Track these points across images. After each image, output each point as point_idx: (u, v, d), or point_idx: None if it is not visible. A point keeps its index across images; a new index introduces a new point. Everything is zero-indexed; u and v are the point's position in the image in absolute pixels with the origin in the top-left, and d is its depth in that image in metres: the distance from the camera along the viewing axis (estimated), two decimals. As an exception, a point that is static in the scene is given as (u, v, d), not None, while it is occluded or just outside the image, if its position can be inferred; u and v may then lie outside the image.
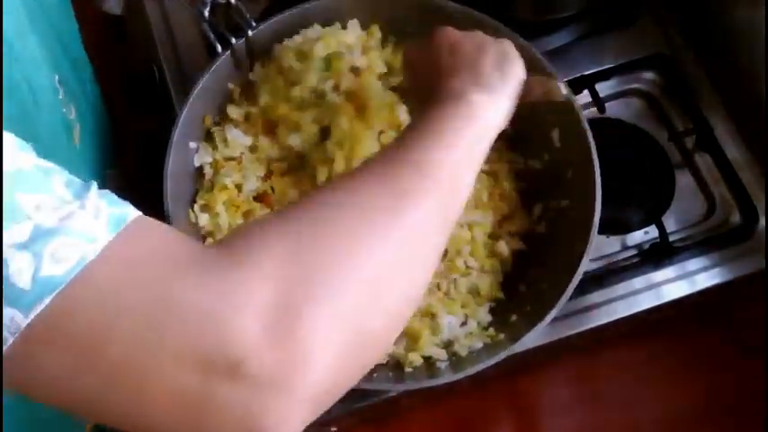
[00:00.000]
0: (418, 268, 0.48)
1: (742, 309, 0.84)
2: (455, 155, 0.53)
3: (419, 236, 0.48)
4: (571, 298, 0.67)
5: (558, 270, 0.68)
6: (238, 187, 0.73)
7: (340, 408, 0.71)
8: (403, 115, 0.73)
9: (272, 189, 0.74)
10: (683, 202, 0.82)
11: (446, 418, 0.82)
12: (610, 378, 0.84)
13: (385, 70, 0.76)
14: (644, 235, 0.81)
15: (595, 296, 0.77)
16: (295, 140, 0.73)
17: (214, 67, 0.73)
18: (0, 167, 0.35)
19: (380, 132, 0.72)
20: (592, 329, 0.76)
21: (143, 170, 0.78)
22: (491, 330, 0.70)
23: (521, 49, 0.72)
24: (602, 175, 0.70)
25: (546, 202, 0.76)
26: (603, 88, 0.86)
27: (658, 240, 0.78)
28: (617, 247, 0.80)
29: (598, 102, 0.83)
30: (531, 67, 0.73)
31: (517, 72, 0.62)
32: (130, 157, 0.89)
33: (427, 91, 0.61)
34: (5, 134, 0.39)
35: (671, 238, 0.78)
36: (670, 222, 0.81)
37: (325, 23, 0.76)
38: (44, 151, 0.57)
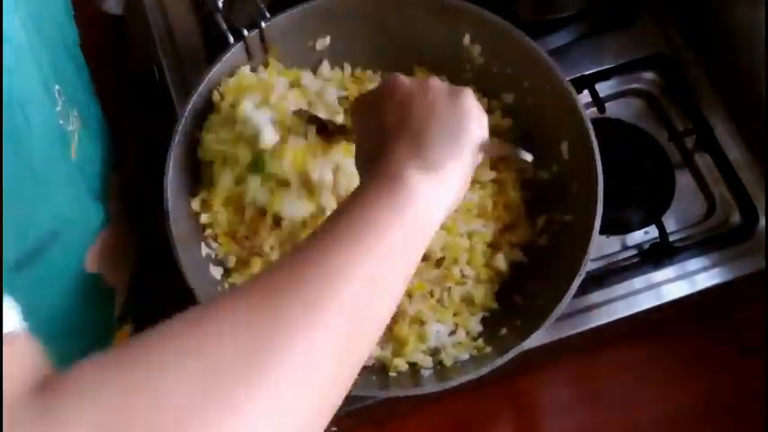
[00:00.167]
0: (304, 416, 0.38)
1: (742, 309, 0.84)
2: (376, 259, 0.44)
3: (301, 380, 0.38)
4: (572, 298, 0.66)
5: (552, 284, 0.68)
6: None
7: (340, 408, 0.72)
8: None
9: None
10: (683, 202, 0.82)
11: (446, 417, 0.82)
12: (610, 378, 0.84)
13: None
14: (644, 235, 0.81)
15: (595, 296, 0.77)
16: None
17: (225, 57, 0.72)
18: (0, 175, 0.35)
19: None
20: (592, 329, 0.76)
21: (143, 170, 0.78)
22: (479, 342, 0.70)
23: (526, 49, 0.74)
24: (602, 174, 0.70)
25: (550, 214, 0.75)
26: (603, 88, 0.86)
27: (658, 240, 0.78)
28: (617, 247, 0.80)
29: (598, 102, 0.83)
30: (536, 68, 0.74)
31: (473, 137, 0.54)
32: (130, 157, 0.89)
33: (370, 157, 0.54)
34: None
35: (671, 238, 0.78)
36: (670, 222, 0.81)
37: (334, 19, 0.76)
38: (34, 170, 0.57)
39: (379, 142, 0.54)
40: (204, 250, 0.71)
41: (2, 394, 0.34)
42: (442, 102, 0.55)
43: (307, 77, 0.77)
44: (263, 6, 0.73)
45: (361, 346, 0.43)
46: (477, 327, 0.71)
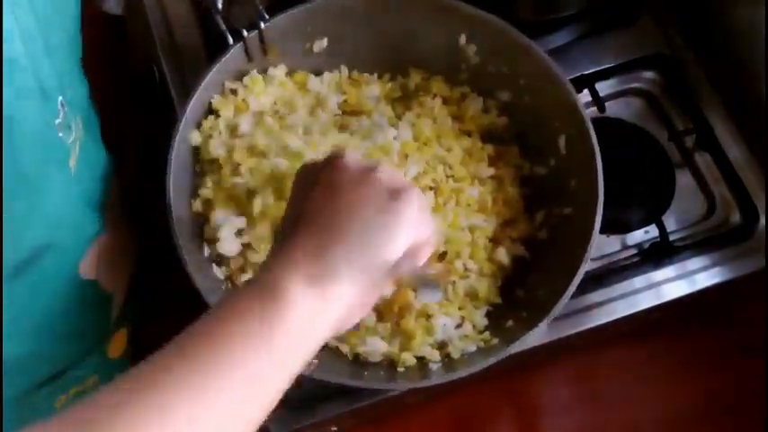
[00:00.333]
0: None
1: (742, 308, 0.84)
2: (231, 388, 0.42)
3: None
4: (571, 297, 0.66)
5: (555, 277, 0.68)
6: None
7: (340, 407, 0.73)
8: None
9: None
10: (683, 202, 0.82)
11: (446, 417, 0.82)
12: (610, 378, 0.84)
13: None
14: (644, 234, 0.81)
15: (595, 296, 0.77)
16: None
17: (225, 58, 0.72)
18: (0, 177, 0.35)
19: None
20: (592, 329, 0.76)
21: (143, 170, 0.78)
22: (486, 334, 0.70)
23: (523, 48, 0.74)
24: (602, 167, 0.69)
25: (549, 208, 0.75)
26: (603, 88, 0.86)
27: (658, 240, 0.78)
28: (617, 247, 0.80)
29: (598, 101, 0.83)
30: (533, 65, 0.74)
31: (389, 256, 0.48)
32: (130, 157, 0.89)
33: (278, 238, 0.50)
34: None
35: (671, 238, 0.78)
36: (670, 222, 0.81)
37: (332, 20, 0.76)
38: (25, 185, 0.57)
39: (289, 225, 0.50)
40: (206, 251, 0.71)
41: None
42: (376, 203, 0.49)
43: (313, 82, 0.78)
44: (261, 8, 0.73)
45: None
46: (482, 320, 0.72)
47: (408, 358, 0.68)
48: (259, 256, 0.70)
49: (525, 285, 0.73)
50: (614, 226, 0.80)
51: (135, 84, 0.92)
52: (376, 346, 0.69)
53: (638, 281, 0.78)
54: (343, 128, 0.76)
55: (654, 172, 0.84)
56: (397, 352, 0.69)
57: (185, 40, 0.86)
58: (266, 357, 0.44)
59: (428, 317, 0.70)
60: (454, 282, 0.72)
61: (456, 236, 0.72)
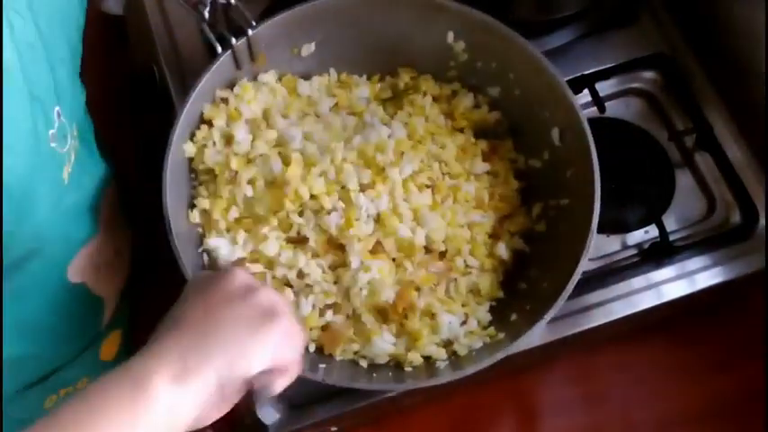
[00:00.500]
0: None
1: (742, 309, 0.84)
2: None
3: None
4: (571, 298, 0.67)
5: (558, 268, 0.68)
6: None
7: (340, 407, 0.73)
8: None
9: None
10: (683, 202, 0.82)
11: (446, 418, 0.82)
12: (610, 378, 0.84)
13: None
14: (644, 234, 0.81)
15: (595, 296, 0.77)
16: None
17: (214, 67, 0.73)
18: (0, 180, 0.35)
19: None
20: (592, 329, 0.76)
21: (143, 170, 0.78)
22: (491, 329, 0.70)
23: (511, 42, 0.74)
24: (602, 174, 0.70)
25: (545, 200, 0.76)
26: (603, 88, 0.86)
27: (658, 240, 0.78)
28: (617, 247, 0.80)
29: (598, 101, 0.83)
30: (522, 59, 0.74)
31: (248, 369, 0.53)
32: (131, 157, 0.89)
33: (158, 329, 0.55)
34: None
35: (671, 238, 0.78)
36: (670, 222, 0.81)
37: (319, 23, 0.76)
38: (12, 196, 0.57)
39: (170, 324, 0.55)
40: (206, 260, 0.71)
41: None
42: (246, 324, 0.54)
43: (303, 86, 0.78)
44: (248, 14, 0.73)
45: None
46: (486, 316, 0.72)
47: (415, 358, 0.69)
48: (257, 267, 0.70)
49: (527, 278, 0.73)
50: (614, 226, 0.80)
51: (135, 84, 0.92)
52: (382, 348, 0.69)
53: (638, 281, 0.78)
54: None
55: (654, 172, 0.84)
56: (403, 352, 0.69)
57: (185, 40, 0.86)
58: None
59: (432, 316, 0.71)
60: (456, 279, 0.73)
61: (455, 233, 0.73)
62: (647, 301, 0.77)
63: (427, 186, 0.74)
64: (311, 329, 0.70)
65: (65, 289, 0.72)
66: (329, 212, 0.70)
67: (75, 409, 0.49)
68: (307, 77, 0.80)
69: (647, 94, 0.88)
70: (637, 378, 0.83)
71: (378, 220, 0.71)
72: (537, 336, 0.72)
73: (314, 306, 0.70)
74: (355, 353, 0.70)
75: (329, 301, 0.70)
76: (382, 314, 0.71)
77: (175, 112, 0.72)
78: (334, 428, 0.76)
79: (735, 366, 0.83)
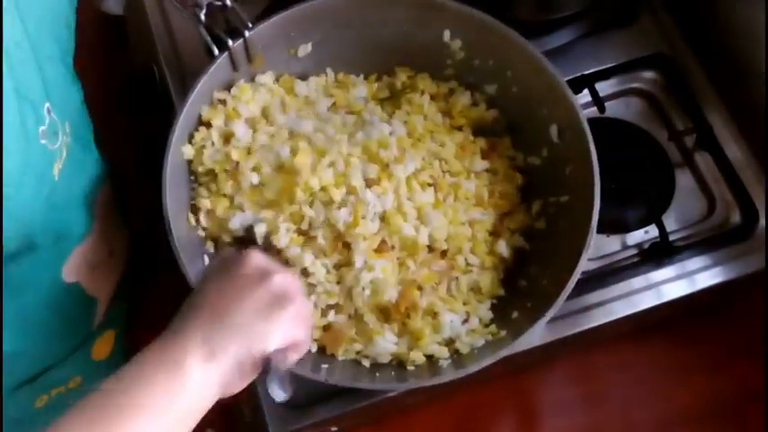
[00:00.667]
0: None
1: (742, 309, 0.84)
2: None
3: None
4: (571, 298, 0.67)
5: (558, 265, 0.68)
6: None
7: (340, 407, 0.72)
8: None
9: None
10: (683, 202, 0.82)
11: (447, 417, 0.82)
12: (610, 378, 0.84)
13: None
14: (644, 234, 0.81)
15: (595, 296, 0.77)
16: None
17: (211, 69, 0.73)
18: (0, 173, 0.35)
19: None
20: (592, 329, 0.76)
21: (143, 170, 0.78)
22: (493, 327, 0.70)
23: (508, 39, 0.74)
24: (601, 175, 0.70)
25: (545, 198, 0.76)
26: (603, 88, 0.86)
27: (658, 240, 0.78)
28: (617, 247, 0.80)
29: (598, 101, 0.83)
30: (519, 56, 0.74)
31: (265, 347, 0.57)
32: (130, 157, 0.89)
33: (183, 309, 0.58)
34: None
35: (671, 238, 0.78)
36: (670, 222, 0.81)
37: (316, 24, 0.76)
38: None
39: (196, 305, 0.58)
40: (207, 261, 0.71)
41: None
42: (261, 308, 0.58)
43: (300, 86, 0.78)
44: (244, 16, 0.73)
45: None
46: (487, 314, 0.72)
47: (417, 357, 0.69)
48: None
49: (527, 276, 0.74)
50: (614, 226, 0.80)
51: (135, 84, 0.92)
52: (384, 347, 0.69)
53: (638, 281, 0.78)
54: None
55: (654, 172, 0.84)
56: (405, 351, 0.69)
57: (185, 40, 0.86)
58: (167, 421, 0.53)
59: (434, 315, 0.71)
60: (457, 278, 0.73)
61: (457, 231, 0.73)
62: (647, 301, 0.77)
63: (429, 185, 0.74)
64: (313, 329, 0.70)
65: (59, 288, 0.73)
66: (339, 207, 0.70)
67: (111, 390, 0.53)
68: (304, 78, 0.80)
69: (647, 94, 0.88)
70: (637, 378, 0.83)
71: (383, 218, 0.71)
72: (537, 336, 0.72)
73: (316, 306, 0.70)
74: (357, 352, 0.70)
75: (331, 302, 0.70)
76: (384, 314, 0.71)
77: (175, 112, 0.72)
78: (334, 428, 0.76)
79: (735, 366, 0.83)
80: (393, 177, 0.71)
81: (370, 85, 0.81)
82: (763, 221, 0.80)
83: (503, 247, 0.74)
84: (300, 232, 0.71)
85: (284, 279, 0.60)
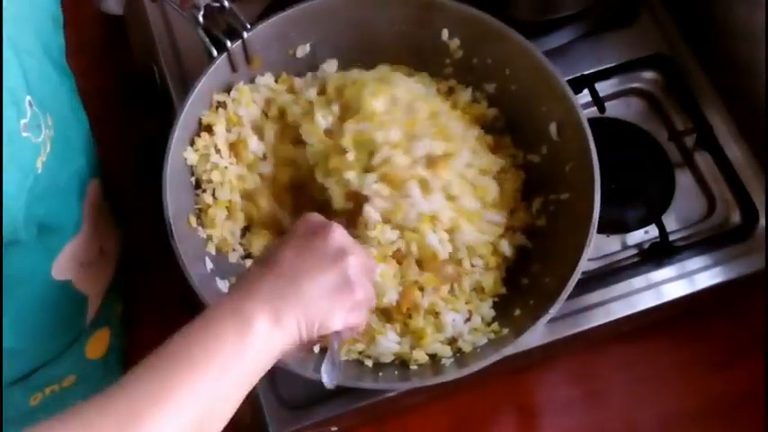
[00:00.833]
0: None
1: (742, 309, 0.84)
2: (212, 388, 0.51)
3: None
4: (571, 297, 0.67)
5: (560, 263, 0.68)
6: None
7: (340, 407, 0.72)
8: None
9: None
10: (683, 202, 0.82)
11: (446, 417, 0.82)
12: (609, 378, 0.84)
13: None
14: (644, 234, 0.81)
15: (595, 296, 0.77)
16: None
17: (210, 71, 0.73)
18: (0, 174, 0.35)
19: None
20: (592, 329, 0.76)
21: (143, 170, 0.78)
22: (495, 325, 0.70)
23: (505, 38, 0.74)
24: (601, 175, 0.70)
25: (545, 195, 0.76)
26: (603, 88, 0.86)
27: (658, 240, 0.78)
28: (617, 247, 0.80)
29: (598, 101, 0.83)
30: (517, 54, 0.74)
31: (326, 326, 0.58)
32: (130, 158, 0.89)
33: (259, 260, 0.60)
34: None
35: (671, 238, 0.78)
36: (670, 222, 0.81)
37: (314, 24, 0.76)
38: None
39: (270, 262, 0.59)
40: (209, 265, 0.71)
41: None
42: (332, 286, 0.59)
43: (299, 84, 0.78)
44: (243, 17, 0.73)
45: None
46: (489, 312, 0.72)
47: (420, 356, 0.69)
48: None
49: (529, 274, 0.73)
50: (614, 226, 0.80)
51: (135, 84, 0.92)
52: (387, 347, 0.69)
53: (638, 281, 0.78)
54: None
55: (654, 172, 0.84)
56: (408, 351, 0.69)
57: (185, 40, 0.86)
58: (233, 377, 0.53)
59: (436, 314, 0.71)
60: (460, 278, 0.73)
61: (478, 239, 0.72)
62: (647, 301, 0.77)
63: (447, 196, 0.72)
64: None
65: (50, 285, 0.73)
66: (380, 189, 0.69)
67: (181, 344, 0.53)
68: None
69: (647, 94, 0.88)
70: (637, 377, 0.83)
71: (402, 227, 0.70)
72: (538, 335, 0.72)
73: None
74: (360, 352, 0.70)
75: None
76: (386, 314, 0.71)
77: (175, 112, 0.72)
78: (334, 428, 0.76)
79: (735, 366, 0.83)
80: (448, 168, 0.70)
81: None
82: (763, 221, 0.80)
83: (506, 247, 0.74)
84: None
85: (358, 262, 0.60)
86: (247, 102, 0.75)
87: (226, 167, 0.74)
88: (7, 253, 0.66)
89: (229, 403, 0.53)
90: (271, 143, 0.76)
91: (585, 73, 0.85)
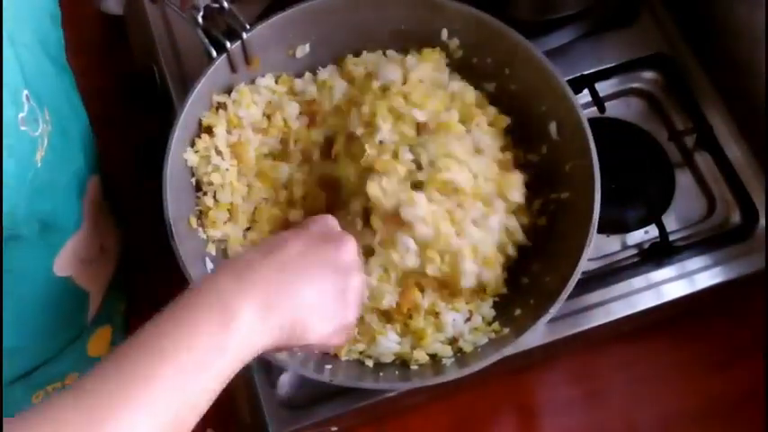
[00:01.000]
0: None
1: (742, 309, 0.84)
2: (186, 383, 0.48)
3: None
4: (571, 297, 0.67)
5: (560, 262, 0.68)
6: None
7: (340, 407, 0.73)
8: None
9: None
10: (683, 202, 0.82)
11: (446, 417, 0.82)
12: (609, 378, 0.84)
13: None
14: (644, 234, 0.81)
15: (595, 296, 0.77)
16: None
17: (209, 72, 0.73)
18: (0, 175, 0.35)
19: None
20: (592, 329, 0.76)
21: (143, 170, 0.78)
22: (496, 325, 0.70)
23: (505, 37, 0.74)
24: (602, 175, 0.70)
25: (545, 195, 0.76)
26: (603, 88, 0.86)
27: (658, 240, 0.78)
28: (617, 247, 0.80)
29: (598, 101, 0.83)
30: (517, 54, 0.74)
31: (312, 337, 0.56)
32: (130, 157, 0.89)
33: (262, 248, 0.57)
34: None
35: (671, 238, 0.78)
36: (670, 222, 0.81)
37: (313, 24, 0.77)
38: None
39: (270, 249, 0.56)
40: (209, 265, 0.71)
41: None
42: (332, 298, 0.57)
43: (299, 86, 0.78)
44: (242, 18, 0.73)
45: None
46: (490, 312, 0.72)
47: (421, 356, 0.69)
48: None
49: (529, 273, 0.73)
50: (614, 226, 0.80)
51: (135, 84, 0.92)
52: (387, 347, 0.69)
53: (638, 281, 0.78)
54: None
55: (654, 172, 0.84)
56: (408, 351, 0.69)
57: (185, 40, 0.86)
58: (214, 369, 0.50)
59: (436, 314, 0.71)
60: None
61: (492, 249, 0.71)
62: (647, 301, 0.77)
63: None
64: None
65: (52, 282, 0.73)
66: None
67: (161, 324, 0.50)
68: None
69: (647, 94, 0.88)
70: (637, 377, 0.83)
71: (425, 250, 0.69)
72: (538, 335, 0.72)
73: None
74: (360, 353, 0.70)
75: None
76: (386, 315, 0.71)
77: (175, 112, 0.72)
78: (334, 428, 0.76)
79: (735, 366, 0.83)
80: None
81: None
82: (763, 221, 0.80)
83: (509, 247, 0.74)
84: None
85: (359, 285, 0.60)
86: (248, 103, 0.75)
87: (227, 169, 0.74)
88: (10, 248, 0.66)
89: (205, 399, 0.50)
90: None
91: (585, 73, 0.85)
